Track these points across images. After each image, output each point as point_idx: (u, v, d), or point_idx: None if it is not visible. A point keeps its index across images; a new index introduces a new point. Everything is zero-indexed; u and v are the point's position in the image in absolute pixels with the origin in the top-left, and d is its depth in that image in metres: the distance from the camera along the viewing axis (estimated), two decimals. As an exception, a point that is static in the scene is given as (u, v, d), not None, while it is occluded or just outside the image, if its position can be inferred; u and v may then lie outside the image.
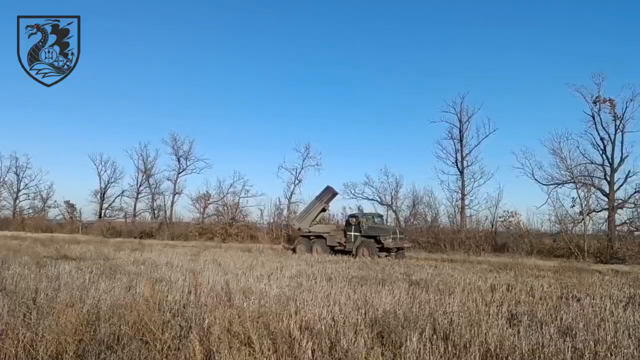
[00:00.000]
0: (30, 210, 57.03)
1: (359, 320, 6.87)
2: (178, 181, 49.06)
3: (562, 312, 8.27)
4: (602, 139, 31.16)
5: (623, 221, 30.41)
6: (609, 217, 30.13)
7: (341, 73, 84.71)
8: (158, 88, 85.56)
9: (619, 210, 30.38)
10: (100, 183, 54.03)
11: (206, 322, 6.33)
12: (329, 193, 29.47)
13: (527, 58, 70.90)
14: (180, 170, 48.95)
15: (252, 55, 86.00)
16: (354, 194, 41.38)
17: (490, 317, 7.49)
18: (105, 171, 54.19)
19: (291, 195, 44.14)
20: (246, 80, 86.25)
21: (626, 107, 30.09)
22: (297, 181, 44.36)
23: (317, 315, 7.15)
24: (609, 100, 30.66)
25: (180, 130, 69.36)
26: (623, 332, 6.85)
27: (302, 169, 44.46)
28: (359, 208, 39.65)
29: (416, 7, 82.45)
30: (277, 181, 65.10)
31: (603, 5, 66.81)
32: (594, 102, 31.30)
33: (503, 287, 12.02)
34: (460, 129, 37.73)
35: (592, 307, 9.12)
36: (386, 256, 24.01)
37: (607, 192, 30.46)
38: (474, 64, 75.61)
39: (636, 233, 29.46)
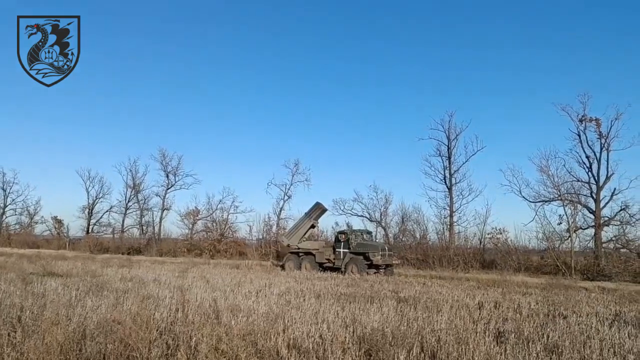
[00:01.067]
0: (17, 226, 56.45)
1: (347, 338, 6.87)
2: (167, 197, 48.87)
3: (548, 329, 8.34)
4: (588, 157, 31.52)
5: (609, 238, 30.60)
6: (595, 234, 30.32)
7: (331, 90, 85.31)
8: (147, 103, 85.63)
9: (605, 228, 30.60)
10: (88, 199, 53.70)
11: (194, 340, 6.31)
12: (318, 209, 29.46)
13: (514, 77, 71.89)
14: (169, 186, 48.76)
15: (242, 71, 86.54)
16: (343, 210, 41.36)
17: (478, 334, 7.53)
18: (94, 187, 53.90)
19: (280, 211, 44.02)
20: (235, 96, 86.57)
21: (611, 126, 30.50)
22: (286, 197, 44.27)
23: (305, 333, 7.15)
24: (595, 119, 31.11)
25: (169, 146, 69.31)
26: (609, 349, 6.92)
27: (291, 185, 44.41)
28: (347, 224, 39.68)
29: (405, 25, 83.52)
30: (266, 197, 65.22)
31: (589, 26, 68.06)
32: (580, 121, 31.71)
33: (491, 304, 12.07)
34: (448, 146, 37.96)
35: (579, 324, 9.19)
36: (375, 273, 23.99)
37: (594, 209, 30.70)
38: (462, 82, 76.48)
39: (622, 250, 29.65)
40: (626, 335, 8.20)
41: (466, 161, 37.35)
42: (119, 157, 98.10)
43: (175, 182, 48.82)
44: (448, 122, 37.95)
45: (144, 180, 51.20)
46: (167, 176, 48.65)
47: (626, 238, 30.00)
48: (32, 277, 14.98)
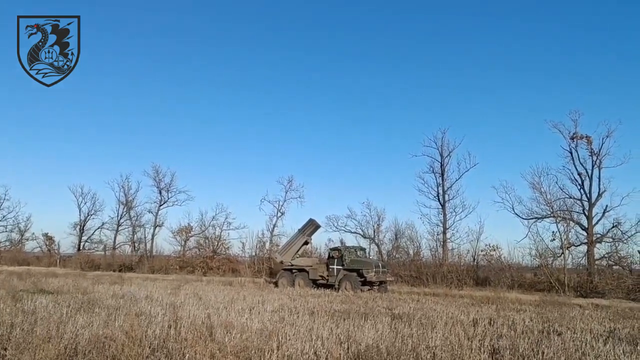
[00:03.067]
0: (7, 243, 55.67)
1: (342, 355, 6.82)
2: (159, 214, 48.62)
3: (543, 346, 8.31)
4: (579, 174, 31.76)
5: (602, 255, 30.73)
6: (588, 251, 30.44)
7: (324, 106, 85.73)
8: (141, 119, 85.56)
9: (597, 245, 30.73)
10: (80, 215, 53.19)
11: (187, 357, 6.25)
12: (312, 226, 29.41)
13: (506, 94, 72.54)
14: (162, 203, 48.52)
15: (235, 88, 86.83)
16: (336, 227, 41.22)
17: (473, 351, 7.50)
18: (85, 203, 53.43)
19: (273, 228, 43.82)
20: (229, 112, 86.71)
21: (602, 144, 30.82)
22: (279, 214, 44.11)
23: (300, 350, 7.10)
24: (586, 136, 31.41)
25: (162, 162, 68.85)
26: (603, 366, 6.90)
27: (284, 201, 44.29)
28: (341, 241, 39.56)
29: (399, 43, 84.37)
30: (259, 214, 64.79)
31: (579, 45, 69.04)
32: (572, 139, 32.00)
33: (485, 321, 12.03)
34: (441, 163, 38.08)
35: (573, 341, 9.17)
36: (369, 290, 23.90)
37: (586, 226, 30.86)
38: (455, 99, 77.10)
39: (615, 267, 29.76)
40: (621, 351, 8.19)
41: (459, 178, 37.54)
42: (112, 173, 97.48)
43: (168, 198, 48.66)
44: (441, 139, 38.19)
45: (136, 197, 50.97)
46: (160, 192, 48.50)
47: (618, 255, 30.16)
48: (22, 294, 14.80)
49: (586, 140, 31.41)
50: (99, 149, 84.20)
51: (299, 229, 29.68)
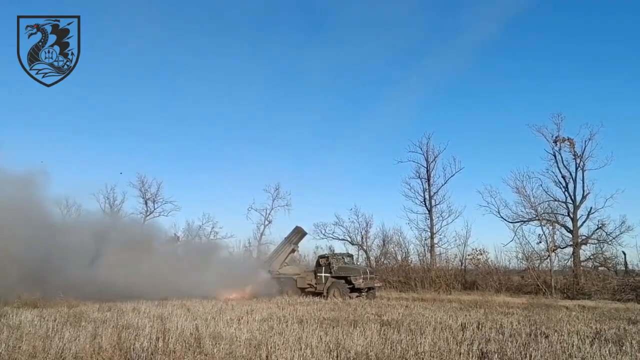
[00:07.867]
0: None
1: (331, 363, 6.82)
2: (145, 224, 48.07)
3: (531, 349, 8.38)
4: (564, 177, 32.04)
5: (587, 257, 31.04)
6: (573, 253, 30.69)
7: (310, 112, 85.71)
8: (125, 126, 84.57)
9: (583, 247, 31.03)
10: (65, 227, 52.39)
11: (175, 369, 6.21)
12: (298, 233, 29.34)
13: (490, 99, 73.13)
14: (148, 214, 48.02)
15: (221, 94, 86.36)
16: (324, 234, 41.15)
17: (461, 356, 7.55)
18: (70, 215, 52.73)
19: (261, 236, 43.70)
20: (214, 119, 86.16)
21: (585, 146, 31.17)
22: (267, 222, 44.00)
23: (289, 359, 7.08)
24: (569, 139, 31.78)
25: (147, 171, 67.99)
26: (590, 367, 6.97)
27: (272, 209, 44.16)
28: (330, 248, 39.47)
29: (383, 47, 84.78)
30: (246, 222, 64.32)
31: (560, 49, 69.97)
32: (555, 142, 32.31)
33: (474, 325, 12.11)
34: (427, 168, 38.18)
35: (560, 343, 9.26)
36: (357, 296, 23.90)
37: (571, 228, 31.14)
38: (439, 104, 77.52)
39: (600, 269, 30.07)
40: (607, 352, 8.28)
41: (445, 183, 37.64)
42: (97, 183, 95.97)
43: (154, 209, 48.18)
44: (426, 144, 38.31)
45: (122, 207, 50.35)
46: (146, 203, 48.01)
47: (604, 256, 30.45)
48: (6, 309, 14.60)
49: (569, 143, 31.77)
50: (86, 156, 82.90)
51: (285, 237, 29.57)
